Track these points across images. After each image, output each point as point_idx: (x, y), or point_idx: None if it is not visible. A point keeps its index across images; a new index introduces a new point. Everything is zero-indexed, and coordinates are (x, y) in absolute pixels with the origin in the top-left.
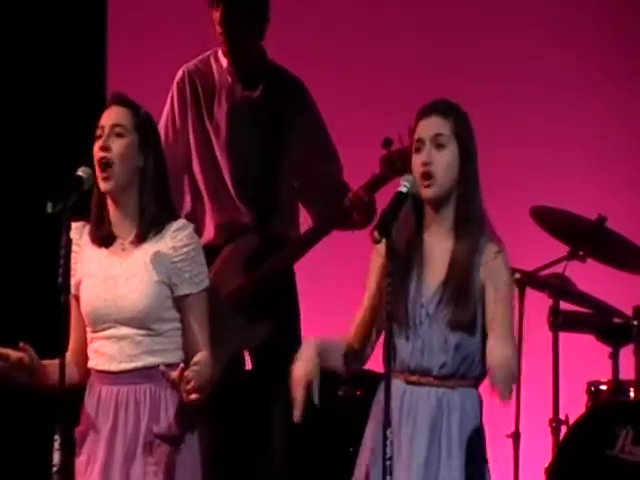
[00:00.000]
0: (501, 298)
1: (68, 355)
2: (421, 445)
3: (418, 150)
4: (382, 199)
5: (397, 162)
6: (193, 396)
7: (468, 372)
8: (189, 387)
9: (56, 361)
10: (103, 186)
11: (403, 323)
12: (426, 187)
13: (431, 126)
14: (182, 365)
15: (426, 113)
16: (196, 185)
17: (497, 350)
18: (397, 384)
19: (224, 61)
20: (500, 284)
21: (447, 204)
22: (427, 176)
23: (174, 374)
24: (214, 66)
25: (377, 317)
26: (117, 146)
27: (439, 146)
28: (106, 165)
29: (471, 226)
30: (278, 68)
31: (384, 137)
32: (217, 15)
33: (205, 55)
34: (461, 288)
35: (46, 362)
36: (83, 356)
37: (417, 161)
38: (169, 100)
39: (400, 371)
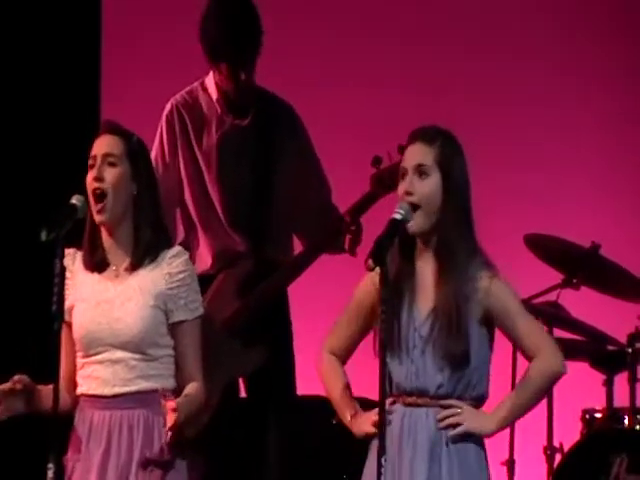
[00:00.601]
0: (518, 315)
1: (60, 382)
2: (421, 465)
3: (403, 177)
4: (372, 221)
5: (387, 179)
6: (169, 435)
7: (465, 393)
8: (170, 425)
9: (50, 386)
10: (98, 218)
11: (396, 347)
12: (410, 221)
13: (415, 154)
14: (174, 402)
15: (412, 140)
16: (189, 216)
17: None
18: (396, 407)
19: (214, 92)
20: (509, 304)
21: (433, 234)
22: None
23: (170, 403)
24: (202, 97)
25: (355, 343)
26: (110, 176)
27: (422, 175)
28: (100, 196)
29: (456, 255)
30: (267, 94)
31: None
32: (224, 68)
33: (193, 86)
34: (450, 321)
35: (40, 387)
36: (73, 383)
37: (401, 188)
38: (158, 134)
39: (397, 395)
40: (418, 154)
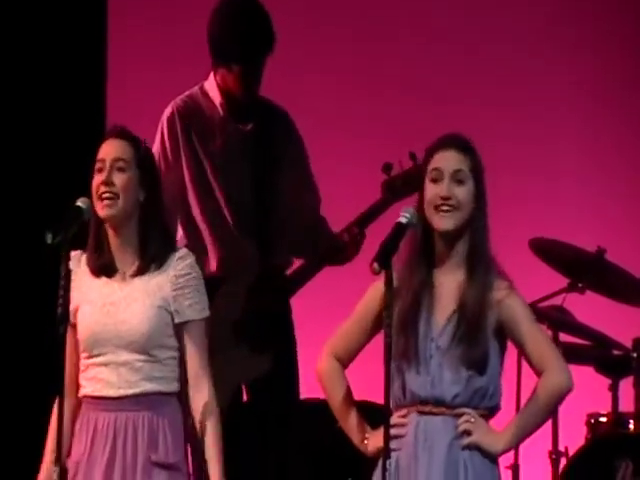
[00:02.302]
0: (529, 329)
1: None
2: (438, 472)
3: (435, 181)
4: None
5: (399, 186)
6: None
7: (481, 404)
8: None
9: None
10: (104, 212)
11: (413, 358)
12: (445, 218)
13: (451, 160)
14: None
15: (445, 145)
16: (191, 220)
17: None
18: (410, 417)
19: (216, 96)
20: (521, 318)
21: (460, 239)
22: (447, 207)
23: None
24: (203, 101)
25: (360, 347)
26: (119, 180)
27: (459, 182)
28: (109, 199)
29: (482, 263)
30: (265, 101)
31: (383, 163)
32: (236, 69)
33: (192, 91)
34: (473, 327)
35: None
36: (76, 385)
37: (434, 191)
38: (159, 137)
39: (411, 403)
40: (454, 160)
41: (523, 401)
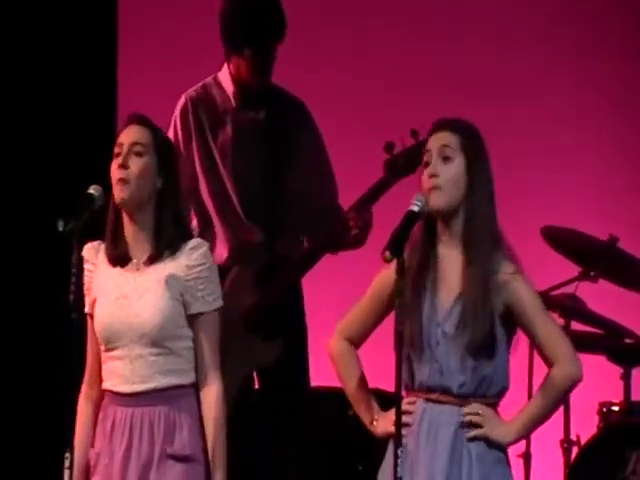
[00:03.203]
0: (538, 316)
1: (86, 379)
2: (441, 462)
3: (426, 164)
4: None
5: (402, 164)
6: None
7: (487, 391)
8: None
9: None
10: (119, 196)
11: (419, 345)
12: (433, 197)
13: (440, 139)
14: None
15: (436, 128)
16: (203, 210)
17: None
18: (416, 405)
19: (229, 86)
20: (528, 304)
21: (457, 218)
22: (433, 187)
23: None
24: (216, 91)
25: (371, 329)
26: (136, 165)
27: (445, 159)
28: (124, 182)
29: (481, 243)
30: (279, 89)
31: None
32: (248, 53)
33: (206, 81)
34: (476, 312)
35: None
36: (99, 375)
37: (425, 174)
38: (172, 128)
39: (419, 390)
40: (443, 138)
41: (535, 387)
